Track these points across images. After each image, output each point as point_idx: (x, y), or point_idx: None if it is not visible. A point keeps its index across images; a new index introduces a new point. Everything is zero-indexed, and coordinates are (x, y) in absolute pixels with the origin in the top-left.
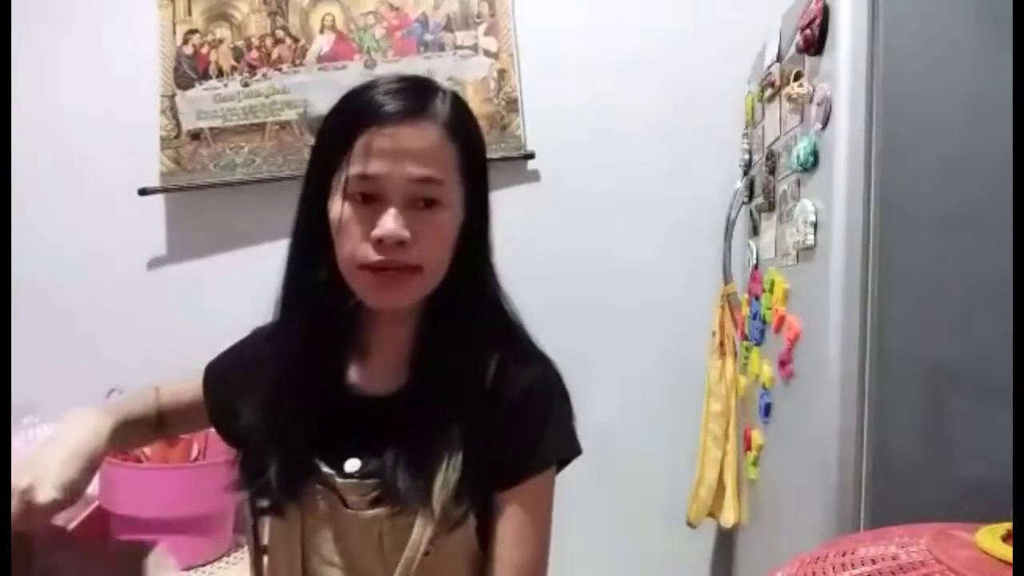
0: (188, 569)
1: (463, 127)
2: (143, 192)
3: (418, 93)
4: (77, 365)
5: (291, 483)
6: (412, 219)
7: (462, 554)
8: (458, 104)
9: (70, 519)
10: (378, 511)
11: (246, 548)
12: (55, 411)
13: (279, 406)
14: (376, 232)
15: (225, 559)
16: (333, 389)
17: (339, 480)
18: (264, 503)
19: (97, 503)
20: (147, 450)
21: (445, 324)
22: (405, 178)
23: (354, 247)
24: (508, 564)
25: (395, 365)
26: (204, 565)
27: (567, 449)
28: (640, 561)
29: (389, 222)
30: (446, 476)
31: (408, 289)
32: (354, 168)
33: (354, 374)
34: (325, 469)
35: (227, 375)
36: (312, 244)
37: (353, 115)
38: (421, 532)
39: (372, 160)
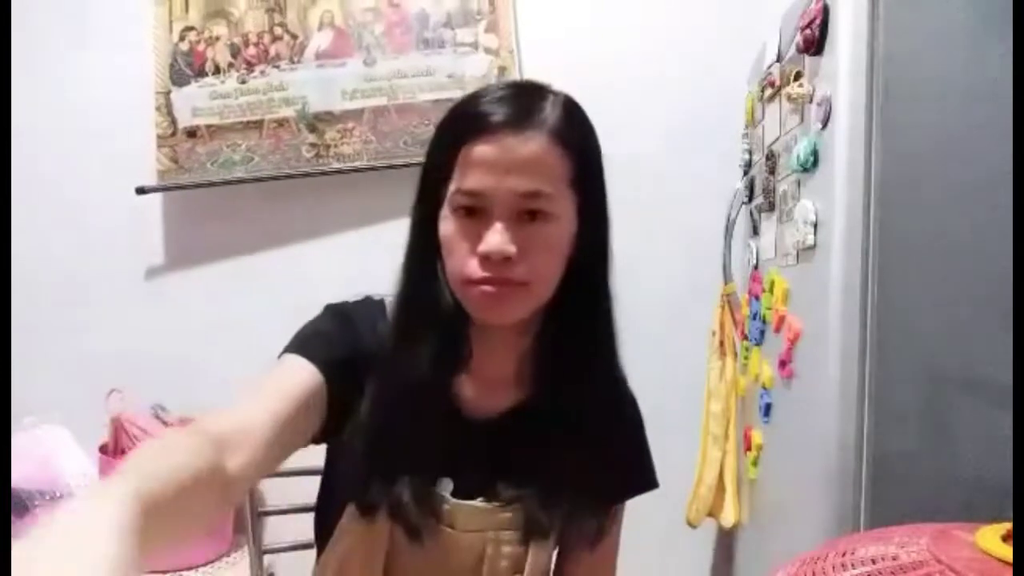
0: (188, 569)
1: (574, 134)
2: (140, 191)
3: (524, 100)
4: (77, 365)
5: (427, 506)
6: (519, 233)
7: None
8: (570, 109)
9: None
10: (491, 534)
11: (246, 548)
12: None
13: (400, 427)
14: (481, 248)
15: (225, 559)
16: (443, 406)
17: (455, 501)
18: (400, 524)
19: None
20: None
21: (560, 342)
22: (509, 192)
23: (461, 263)
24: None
25: (502, 383)
26: (204, 565)
27: (652, 480)
28: (640, 561)
29: (494, 238)
30: (568, 503)
31: (515, 305)
32: (458, 182)
33: (460, 389)
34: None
35: (352, 360)
36: (425, 258)
37: (456, 127)
38: (537, 556)
39: (475, 174)
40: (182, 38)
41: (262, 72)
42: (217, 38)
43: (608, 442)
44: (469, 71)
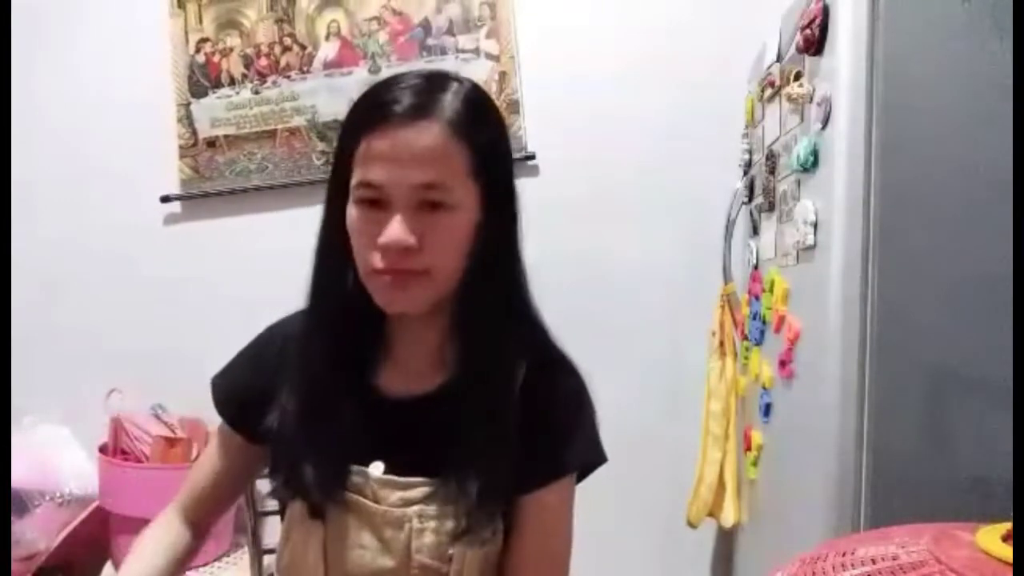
0: (188, 569)
1: (473, 124)
2: (165, 199)
3: (423, 90)
4: (77, 365)
5: (330, 485)
6: (419, 223)
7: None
8: (471, 99)
9: (70, 519)
10: (415, 508)
11: (246, 548)
12: (55, 411)
13: (312, 410)
14: (381, 240)
15: (225, 559)
16: (361, 392)
17: (377, 476)
18: (302, 503)
19: (97, 503)
20: (147, 450)
21: (471, 326)
22: (407, 184)
23: (365, 253)
24: (531, 568)
25: (422, 368)
26: (204, 565)
27: (591, 456)
28: (640, 561)
29: (393, 229)
30: (489, 477)
31: (417, 294)
32: (359, 174)
33: (382, 376)
34: (356, 468)
35: (247, 380)
36: (336, 248)
37: (357, 118)
38: (465, 531)
39: (374, 166)
40: (198, 49)
41: (274, 82)
42: (231, 49)
43: (533, 416)
44: (471, 77)
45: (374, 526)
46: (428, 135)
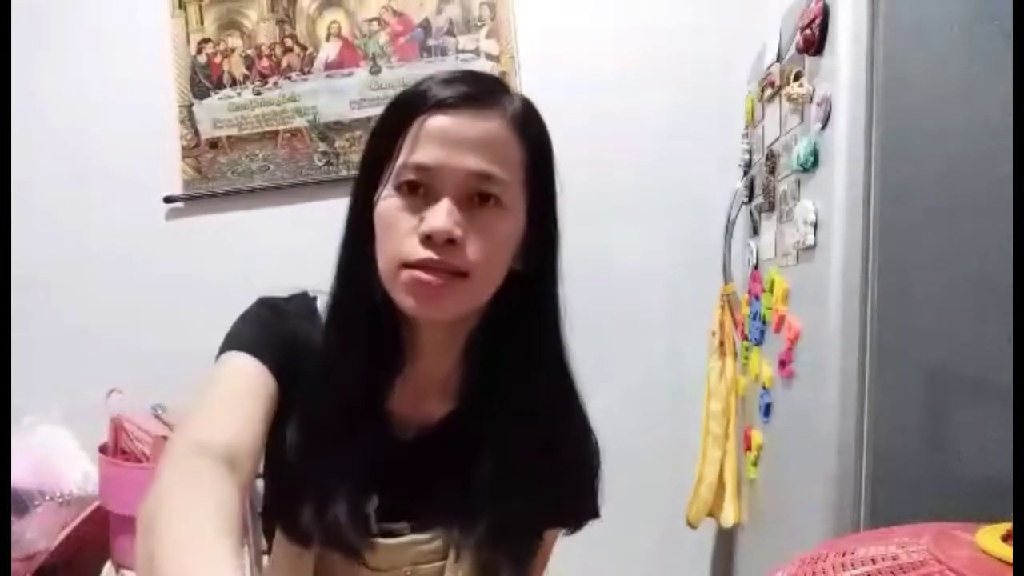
0: None
1: (533, 127)
2: (168, 200)
3: (485, 82)
4: (77, 365)
5: (364, 528)
6: (466, 217)
7: None
8: (530, 106)
9: (70, 519)
10: (407, 570)
11: (246, 548)
12: (55, 411)
13: (337, 439)
14: (424, 227)
15: None
16: (375, 420)
17: (368, 540)
18: (335, 548)
19: (97, 503)
20: (147, 450)
21: (492, 355)
22: (462, 169)
23: (399, 243)
24: None
25: (436, 391)
26: None
27: (591, 513)
28: (640, 561)
29: (440, 216)
30: (489, 528)
31: (451, 298)
32: (406, 156)
33: (393, 399)
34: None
35: (288, 358)
36: (364, 254)
37: (410, 101)
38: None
39: (427, 146)
40: (199, 50)
41: (275, 84)
42: (232, 50)
43: (543, 463)
44: None
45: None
46: (491, 124)
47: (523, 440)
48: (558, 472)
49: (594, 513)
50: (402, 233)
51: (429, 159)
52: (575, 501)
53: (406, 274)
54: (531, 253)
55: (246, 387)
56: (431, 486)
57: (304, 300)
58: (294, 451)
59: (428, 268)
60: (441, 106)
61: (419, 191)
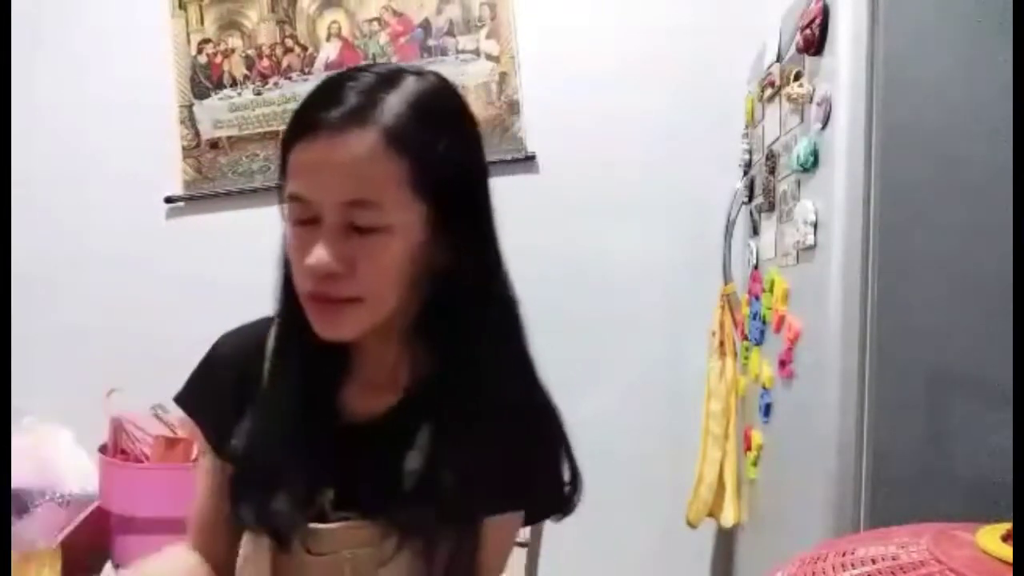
0: None
1: (420, 129)
2: (168, 200)
3: (367, 91)
4: (77, 365)
5: (301, 518)
6: (346, 246)
7: None
8: (424, 100)
9: (70, 519)
10: (347, 553)
11: None
12: (55, 411)
13: (281, 432)
14: (307, 261)
15: None
16: (327, 413)
17: (309, 526)
18: (268, 537)
19: (97, 503)
20: (147, 450)
21: (430, 349)
22: (331, 200)
23: (295, 273)
24: None
25: (380, 385)
26: None
27: (549, 499)
28: (640, 561)
29: (317, 253)
30: (437, 526)
31: (348, 322)
32: (288, 186)
33: (345, 392)
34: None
35: (218, 390)
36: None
37: (289, 126)
38: (399, 569)
39: (298, 178)
40: (199, 50)
41: (276, 84)
42: (232, 50)
43: (487, 451)
44: (471, 78)
45: (309, 572)
46: (359, 145)
47: (463, 427)
48: (501, 457)
49: (556, 500)
50: (296, 263)
51: (301, 191)
52: (523, 486)
53: (306, 305)
54: (449, 252)
55: (201, 484)
56: (379, 475)
57: (261, 324)
58: (243, 451)
59: (319, 298)
60: (308, 131)
61: (306, 223)
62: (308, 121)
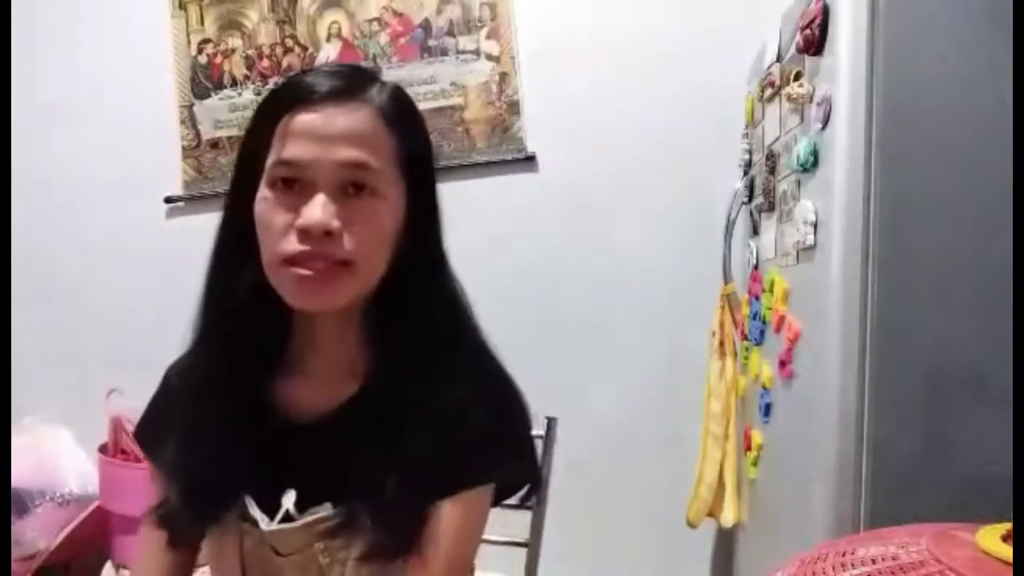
0: None
1: (403, 116)
2: (168, 200)
3: (352, 77)
4: (77, 365)
5: (199, 515)
6: (342, 208)
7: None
8: (399, 95)
9: (70, 519)
10: (319, 546)
11: None
12: (55, 411)
13: (199, 438)
14: (301, 221)
15: None
16: (261, 413)
17: (267, 529)
18: (170, 532)
19: (97, 503)
20: None
21: (387, 335)
22: (333, 161)
23: (277, 239)
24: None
25: (329, 380)
26: (204, 565)
27: (514, 470)
28: (640, 561)
29: (315, 210)
30: (392, 502)
31: (338, 288)
32: (276, 153)
33: (283, 392)
34: (255, 512)
35: (159, 421)
36: (236, 246)
37: (278, 98)
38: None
39: (296, 142)
40: (200, 51)
41: (276, 84)
42: (232, 50)
43: (444, 431)
44: (472, 78)
45: (283, 572)
46: (358, 115)
47: (417, 411)
48: (455, 438)
49: (523, 472)
50: (280, 230)
51: (300, 154)
52: (488, 462)
53: (287, 270)
54: (414, 236)
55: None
56: (343, 468)
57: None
58: (172, 454)
59: (308, 261)
60: (308, 101)
61: (293, 187)
62: (306, 92)
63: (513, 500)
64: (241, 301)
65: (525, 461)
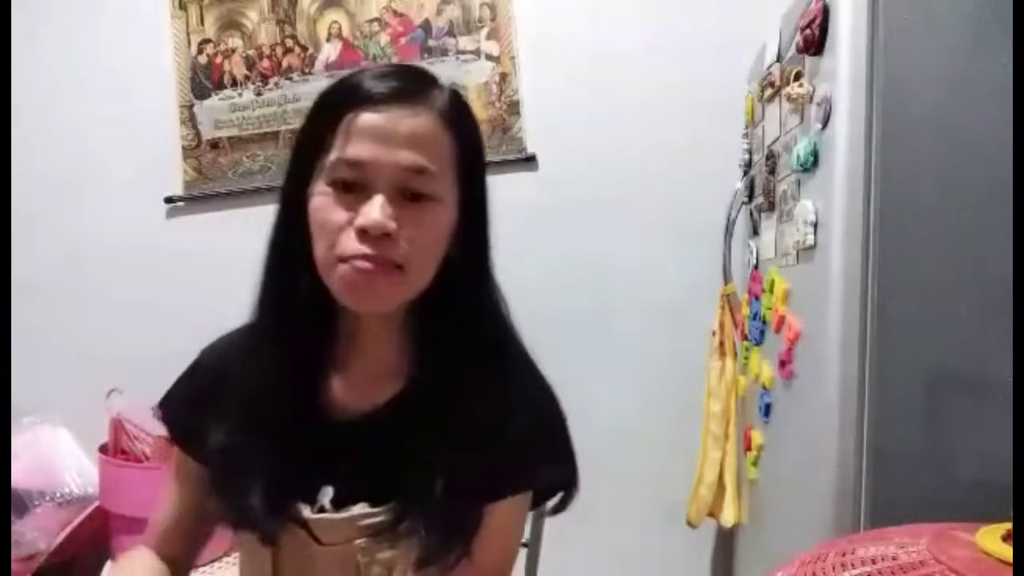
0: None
1: (462, 119)
2: (169, 200)
3: (415, 77)
4: (77, 365)
5: (278, 516)
6: (399, 212)
7: None
8: (457, 97)
9: (70, 519)
10: (360, 543)
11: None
12: (55, 411)
13: (259, 434)
14: (360, 221)
15: (225, 559)
16: (310, 410)
17: (313, 516)
18: (248, 532)
19: (97, 503)
20: (147, 450)
21: (432, 337)
22: (394, 164)
23: (334, 238)
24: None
25: (374, 379)
26: (204, 565)
27: (555, 476)
28: (640, 561)
29: (375, 211)
30: (442, 505)
31: (388, 290)
32: (338, 151)
33: (330, 390)
34: (299, 503)
35: (194, 400)
36: (292, 244)
37: (340, 96)
38: (411, 559)
39: (359, 142)
40: (200, 51)
41: (276, 84)
42: (233, 51)
43: (491, 435)
44: (472, 79)
45: (320, 564)
46: (421, 119)
47: (464, 416)
48: (501, 444)
49: (562, 480)
50: (337, 228)
51: (362, 155)
52: (523, 471)
53: (343, 268)
54: (464, 239)
55: (170, 485)
56: (382, 470)
57: (245, 330)
58: (222, 452)
59: (363, 262)
60: (371, 102)
61: (352, 186)
62: (370, 92)
63: (546, 506)
64: (298, 300)
65: (566, 468)
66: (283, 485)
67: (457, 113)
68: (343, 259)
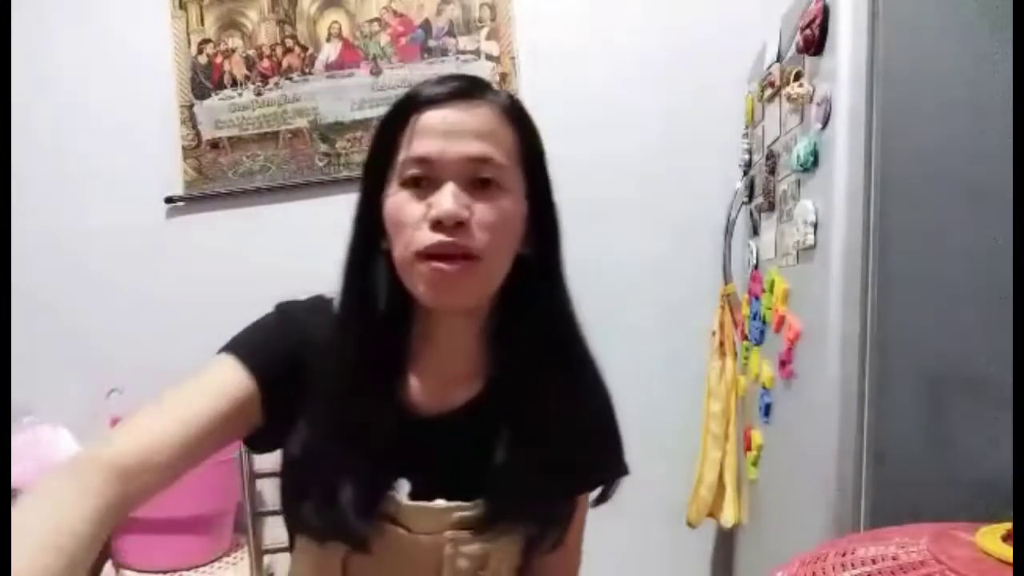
0: (188, 569)
1: (523, 116)
2: (169, 200)
3: (473, 80)
4: (77, 365)
5: (371, 516)
6: (470, 201)
7: (507, 569)
8: (515, 98)
9: None
10: (449, 534)
11: (246, 548)
12: (55, 411)
13: (346, 434)
14: (434, 212)
15: (225, 559)
16: (391, 407)
17: (407, 503)
18: (339, 542)
19: None
20: None
21: (508, 339)
22: (460, 156)
23: (410, 234)
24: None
25: (453, 378)
26: (204, 565)
27: (619, 468)
28: (640, 561)
29: (447, 199)
30: (539, 502)
31: (467, 282)
32: (406, 151)
33: (409, 387)
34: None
35: (280, 348)
36: (371, 251)
37: (404, 102)
38: (501, 553)
39: (424, 139)
40: (200, 51)
41: (276, 84)
42: (233, 51)
43: (570, 431)
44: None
45: (404, 553)
46: (481, 112)
47: (543, 414)
48: (579, 440)
49: (621, 471)
50: (413, 224)
51: (428, 150)
52: (600, 464)
53: (422, 265)
54: (533, 237)
55: (204, 385)
56: (461, 468)
57: (320, 303)
58: (303, 449)
59: (443, 255)
60: (434, 102)
61: (423, 183)
62: (432, 94)
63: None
64: (374, 302)
65: (624, 461)
66: (372, 490)
67: (517, 110)
68: (420, 254)
